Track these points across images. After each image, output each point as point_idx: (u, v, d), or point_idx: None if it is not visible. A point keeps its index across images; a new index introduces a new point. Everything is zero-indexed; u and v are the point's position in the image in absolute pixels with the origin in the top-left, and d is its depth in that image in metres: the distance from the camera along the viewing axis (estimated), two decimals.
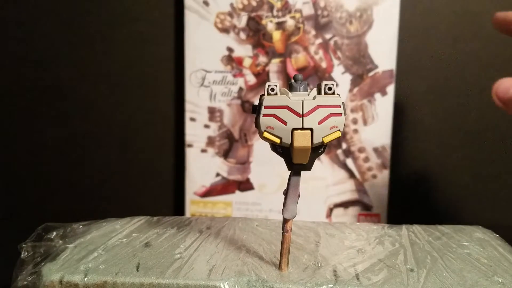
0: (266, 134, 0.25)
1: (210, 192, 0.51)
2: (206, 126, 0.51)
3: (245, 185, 0.51)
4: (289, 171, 0.27)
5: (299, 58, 0.49)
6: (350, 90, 0.49)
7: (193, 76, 0.50)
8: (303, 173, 0.27)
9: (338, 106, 0.25)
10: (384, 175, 0.49)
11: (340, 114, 0.25)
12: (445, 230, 0.36)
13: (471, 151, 0.51)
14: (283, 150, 0.26)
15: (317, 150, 0.26)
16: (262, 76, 0.50)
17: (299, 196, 0.28)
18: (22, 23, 0.54)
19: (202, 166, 0.51)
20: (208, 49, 0.50)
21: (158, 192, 0.55)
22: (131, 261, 0.29)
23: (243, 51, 0.50)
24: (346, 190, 0.50)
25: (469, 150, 0.51)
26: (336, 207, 0.50)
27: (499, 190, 0.52)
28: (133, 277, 0.27)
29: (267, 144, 0.26)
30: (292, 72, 0.49)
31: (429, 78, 0.51)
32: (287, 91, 0.25)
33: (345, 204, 0.50)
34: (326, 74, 0.49)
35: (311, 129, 0.24)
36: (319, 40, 0.49)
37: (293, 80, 0.26)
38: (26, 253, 0.31)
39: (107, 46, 0.53)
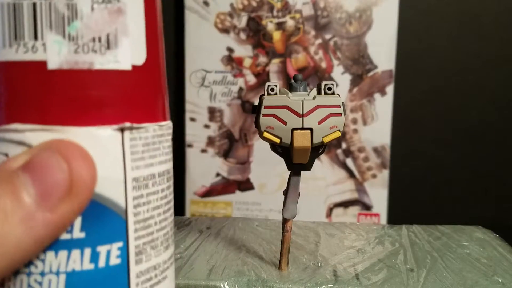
0: (266, 134, 0.25)
1: (210, 192, 0.52)
2: (206, 126, 0.51)
3: (245, 185, 0.51)
4: (289, 171, 0.27)
5: (299, 58, 0.49)
6: (350, 90, 0.49)
7: (193, 76, 0.50)
8: (303, 173, 0.27)
9: (338, 106, 0.25)
10: (383, 175, 0.49)
11: (340, 114, 0.25)
12: (445, 230, 0.36)
13: (471, 151, 0.51)
14: (283, 150, 0.26)
15: (317, 150, 0.26)
16: (262, 76, 0.50)
17: (299, 196, 0.28)
18: None
19: (202, 166, 0.51)
20: (208, 49, 0.50)
21: None
22: None
23: (243, 51, 0.50)
24: (346, 189, 0.50)
25: (468, 149, 0.51)
26: (336, 207, 0.50)
27: (499, 190, 0.52)
28: None
29: (267, 144, 0.26)
30: (292, 72, 0.49)
31: (428, 78, 0.51)
32: (287, 91, 0.25)
33: (345, 204, 0.50)
34: (326, 74, 0.49)
35: (311, 129, 0.24)
36: (319, 41, 0.49)
37: (293, 80, 0.26)
38: None
39: None
